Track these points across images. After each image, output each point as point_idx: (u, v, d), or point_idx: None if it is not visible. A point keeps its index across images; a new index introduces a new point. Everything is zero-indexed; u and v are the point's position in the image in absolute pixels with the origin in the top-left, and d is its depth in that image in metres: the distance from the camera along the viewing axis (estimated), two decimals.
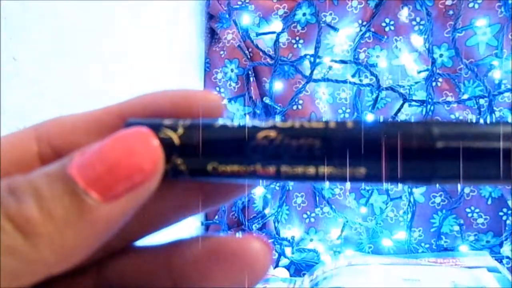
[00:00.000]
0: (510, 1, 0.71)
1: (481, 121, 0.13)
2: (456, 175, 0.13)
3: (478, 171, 0.13)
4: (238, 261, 0.14)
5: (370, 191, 0.78)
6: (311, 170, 0.13)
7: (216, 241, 0.15)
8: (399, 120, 0.13)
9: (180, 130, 0.14)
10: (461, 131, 0.13)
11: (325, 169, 0.13)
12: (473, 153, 0.12)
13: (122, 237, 0.14)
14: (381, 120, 0.13)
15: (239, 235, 0.14)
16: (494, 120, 0.13)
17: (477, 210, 0.75)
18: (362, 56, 0.77)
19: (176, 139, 0.14)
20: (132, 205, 0.13)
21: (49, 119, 0.16)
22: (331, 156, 0.13)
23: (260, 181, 0.14)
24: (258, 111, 0.79)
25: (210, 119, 0.14)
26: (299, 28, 0.79)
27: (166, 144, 0.14)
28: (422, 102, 0.74)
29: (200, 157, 0.14)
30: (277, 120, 0.14)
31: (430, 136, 0.13)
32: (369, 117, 0.76)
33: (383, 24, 0.76)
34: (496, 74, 0.72)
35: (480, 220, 0.75)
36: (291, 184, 0.79)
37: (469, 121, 0.13)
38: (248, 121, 0.14)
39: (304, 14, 0.78)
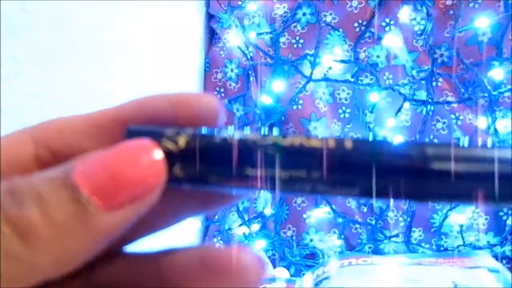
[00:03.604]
0: (510, 1, 0.71)
1: (476, 143, 0.13)
2: (448, 196, 0.13)
3: (470, 193, 0.13)
4: (229, 273, 0.14)
5: None
6: (307, 186, 0.14)
7: (208, 252, 0.15)
8: (394, 142, 0.14)
9: (181, 143, 0.14)
10: (455, 153, 0.13)
11: (321, 188, 0.14)
12: (466, 176, 0.13)
13: (115, 240, 0.14)
14: (378, 139, 0.14)
15: (231, 246, 0.14)
16: (488, 144, 0.13)
17: (477, 210, 0.75)
18: (362, 55, 0.77)
19: (177, 151, 0.14)
20: (133, 215, 0.13)
21: (46, 121, 0.16)
22: (328, 175, 0.13)
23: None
24: (258, 111, 0.79)
25: (211, 131, 0.14)
26: (299, 28, 0.79)
27: (168, 155, 0.14)
28: (422, 102, 0.74)
29: (200, 170, 0.14)
30: (277, 135, 0.14)
31: (424, 157, 0.13)
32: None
33: (383, 24, 0.76)
34: (496, 74, 0.72)
35: (481, 220, 0.75)
36: None
37: (462, 143, 0.13)
38: (249, 136, 0.14)
39: (304, 14, 0.78)
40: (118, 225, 0.13)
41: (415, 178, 0.13)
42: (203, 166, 0.14)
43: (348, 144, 0.14)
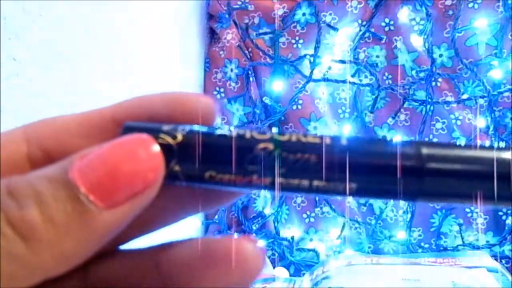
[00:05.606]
0: (509, 1, 0.71)
1: (471, 143, 0.13)
2: (442, 195, 0.13)
3: (464, 192, 0.13)
4: (229, 263, 0.14)
5: None
6: (305, 183, 0.14)
7: (207, 243, 0.14)
8: (391, 139, 0.14)
9: (179, 137, 0.14)
10: (450, 154, 0.13)
11: (318, 183, 0.14)
12: (460, 175, 0.13)
13: (112, 239, 0.14)
14: (374, 137, 0.14)
15: (231, 236, 0.14)
16: (483, 144, 0.13)
17: (476, 210, 0.75)
18: (361, 56, 0.77)
19: (175, 146, 0.14)
20: (132, 212, 0.13)
21: (39, 120, 0.16)
22: (324, 170, 0.14)
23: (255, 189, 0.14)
24: (258, 111, 0.79)
25: (209, 127, 0.14)
26: (298, 28, 0.79)
27: (165, 150, 0.14)
28: (421, 102, 0.75)
29: (198, 165, 0.14)
30: (275, 132, 0.14)
31: (419, 157, 0.13)
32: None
33: (383, 24, 0.77)
34: (496, 74, 0.72)
35: (480, 220, 0.75)
36: None
37: (457, 143, 0.13)
38: (247, 132, 0.14)
39: (304, 14, 0.78)
40: (117, 222, 0.13)
41: (410, 177, 0.13)
42: (201, 162, 0.14)
43: (344, 141, 0.14)
